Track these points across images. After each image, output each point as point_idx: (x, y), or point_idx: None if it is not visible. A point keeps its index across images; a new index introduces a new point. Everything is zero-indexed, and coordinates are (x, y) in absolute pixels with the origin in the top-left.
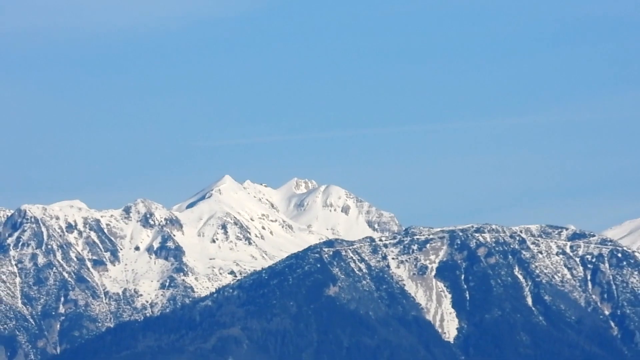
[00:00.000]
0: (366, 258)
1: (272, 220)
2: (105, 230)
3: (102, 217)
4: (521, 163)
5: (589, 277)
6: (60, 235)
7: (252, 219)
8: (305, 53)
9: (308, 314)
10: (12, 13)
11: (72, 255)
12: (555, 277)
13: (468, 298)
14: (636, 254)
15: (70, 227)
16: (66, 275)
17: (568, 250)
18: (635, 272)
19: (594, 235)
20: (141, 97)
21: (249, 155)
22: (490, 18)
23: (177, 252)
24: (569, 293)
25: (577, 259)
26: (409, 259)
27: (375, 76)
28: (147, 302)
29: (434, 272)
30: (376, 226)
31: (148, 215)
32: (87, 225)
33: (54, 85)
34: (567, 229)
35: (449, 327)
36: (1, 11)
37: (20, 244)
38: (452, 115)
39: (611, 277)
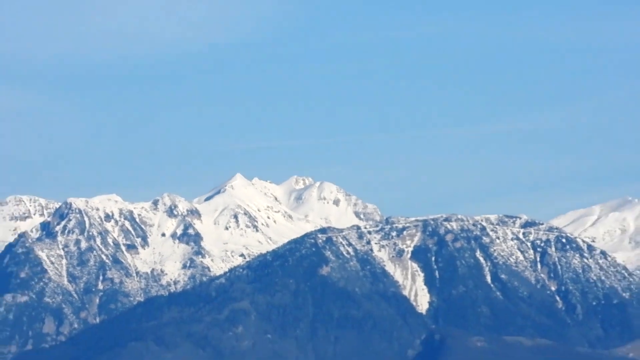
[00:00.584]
0: (353, 243)
1: (275, 211)
2: (137, 220)
3: (134, 208)
4: (482, 163)
5: (538, 259)
6: (100, 224)
7: (259, 210)
8: (303, 73)
9: (305, 290)
10: (54, 42)
11: (110, 240)
12: (510, 259)
13: (437, 277)
14: (578, 239)
15: (108, 217)
16: (104, 257)
17: (521, 236)
18: (577, 255)
19: (542, 224)
20: (167, 109)
21: (257, 157)
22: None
23: (197, 238)
24: (522, 272)
25: (529, 244)
26: (389, 243)
27: (361, 93)
28: (171, 280)
29: (409, 255)
30: (362, 216)
31: (172, 207)
32: (122, 216)
33: (96, 100)
34: (520, 218)
35: (422, 301)
36: (47, 39)
37: (66, 231)
38: (426, 125)
39: (557, 259)
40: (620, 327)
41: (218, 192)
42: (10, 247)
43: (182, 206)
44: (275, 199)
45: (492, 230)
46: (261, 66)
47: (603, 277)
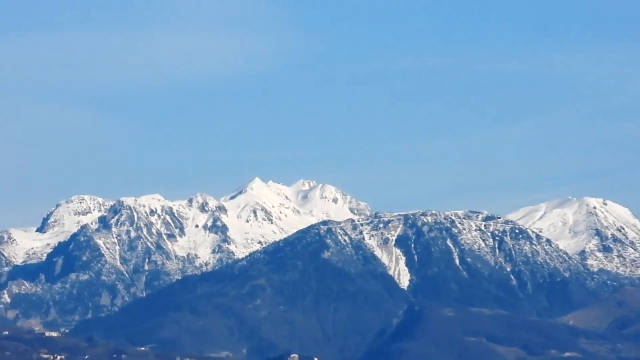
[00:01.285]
0: (349, 233)
1: (286, 208)
2: (176, 214)
3: (173, 205)
4: (452, 169)
5: (497, 246)
6: (146, 217)
7: (273, 207)
8: (309, 97)
9: (310, 270)
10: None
11: (154, 231)
12: (474, 246)
13: (416, 260)
14: (528, 230)
15: (152, 212)
16: (149, 244)
17: (483, 227)
18: (528, 243)
19: (500, 218)
20: (200, 125)
21: (272, 164)
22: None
23: (223, 229)
24: (483, 256)
25: (489, 234)
26: (377, 233)
27: (356, 113)
28: (203, 262)
29: (393, 242)
30: (355, 211)
31: (204, 204)
32: (164, 211)
33: (143, 118)
34: (482, 213)
35: (404, 279)
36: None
37: (119, 224)
38: (408, 139)
39: (511, 246)
40: (562, 300)
41: (240, 192)
42: (74, 236)
43: (212, 203)
44: (286, 197)
45: (459, 223)
46: (277, 92)
47: (548, 260)
